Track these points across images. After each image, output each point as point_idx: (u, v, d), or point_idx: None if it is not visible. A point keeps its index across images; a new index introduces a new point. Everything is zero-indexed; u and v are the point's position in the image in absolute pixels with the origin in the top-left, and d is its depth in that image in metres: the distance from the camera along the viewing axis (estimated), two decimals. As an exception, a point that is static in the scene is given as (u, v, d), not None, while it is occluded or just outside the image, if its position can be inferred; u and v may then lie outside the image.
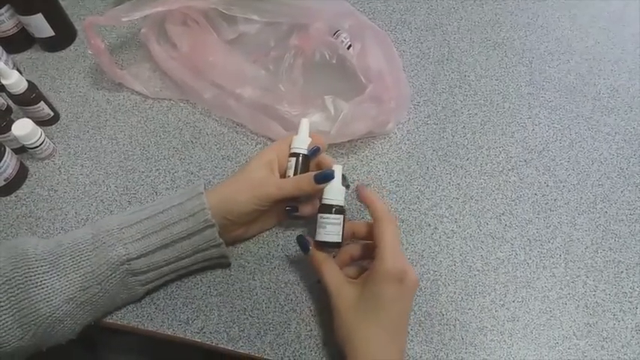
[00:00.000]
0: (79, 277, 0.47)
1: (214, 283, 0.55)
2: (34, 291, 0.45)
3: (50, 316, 0.45)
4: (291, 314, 0.53)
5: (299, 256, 0.57)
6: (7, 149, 0.59)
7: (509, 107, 0.70)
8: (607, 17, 0.81)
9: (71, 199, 0.61)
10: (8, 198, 0.61)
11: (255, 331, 0.52)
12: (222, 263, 0.55)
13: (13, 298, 0.44)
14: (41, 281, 0.45)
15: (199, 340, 0.52)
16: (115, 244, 0.48)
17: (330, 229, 0.49)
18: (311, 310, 0.54)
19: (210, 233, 0.50)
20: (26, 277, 0.45)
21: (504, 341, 0.53)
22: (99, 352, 0.69)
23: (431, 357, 0.51)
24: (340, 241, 0.50)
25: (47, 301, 0.45)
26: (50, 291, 0.45)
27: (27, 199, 0.61)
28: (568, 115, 0.69)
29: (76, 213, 0.60)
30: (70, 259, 0.47)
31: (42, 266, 0.46)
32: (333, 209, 0.49)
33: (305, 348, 0.51)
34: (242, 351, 0.51)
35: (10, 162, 0.59)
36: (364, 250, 0.52)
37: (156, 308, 0.53)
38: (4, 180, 0.59)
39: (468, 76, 0.73)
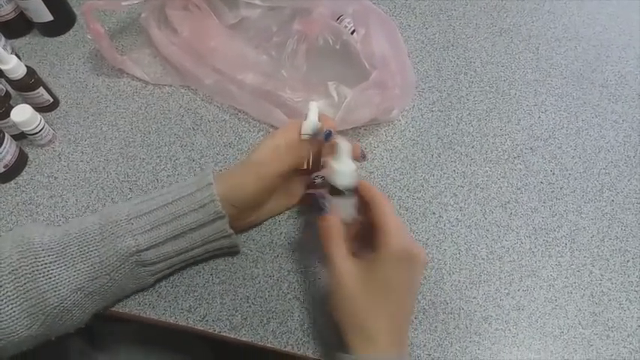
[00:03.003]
0: (87, 267, 0.46)
1: (217, 271, 0.55)
2: (42, 281, 0.44)
3: (58, 305, 0.45)
4: (294, 302, 0.53)
5: (302, 244, 0.56)
6: (7, 135, 0.58)
7: (515, 94, 0.69)
8: (615, 3, 0.79)
9: (71, 186, 0.60)
10: (8, 185, 0.60)
11: (258, 319, 0.52)
12: (232, 252, 0.55)
13: (20, 288, 0.44)
14: (48, 271, 0.45)
15: (202, 328, 0.51)
16: (125, 235, 0.47)
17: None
18: (314, 299, 0.53)
19: (221, 224, 0.49)
20: (33, 266, 0.44)
21: (509, 330, 0.52)
22: (98, 341, 0.68)
23: (435, 345, 0.51)
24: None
25: (55, 291, 0.44)
26: (58, 281, 0.45)
27: (27, 186, 0.60)
28: (575, 102, 0.68)
29: (76, 200, 0.59)
30: (77, 248, 0.46)
31: (49, 256, 0.45)
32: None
33: (308, 336, 0.51)
34: (245, 339, 0.51)
35: (10, 148, 0.58)
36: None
37: (158, 296, 0.53)
38: (4, 167, 0.58)
39: (474, 63, 0.72)
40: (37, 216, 0.58)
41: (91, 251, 0.46)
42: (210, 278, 0.54)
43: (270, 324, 0.52)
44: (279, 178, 0.50)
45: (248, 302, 0.53)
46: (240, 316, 0.52)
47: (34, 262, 0.44)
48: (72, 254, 0.46)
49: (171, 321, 0.52)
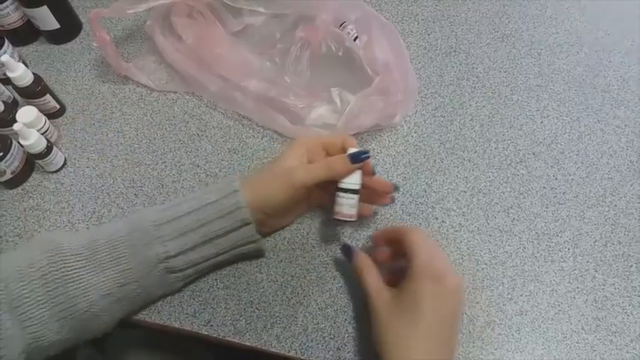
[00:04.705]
0: (117, 273, 0.47)
1: (221, 276, 0.55)
2: (71, 286, 0.45)
3: (87, 310, 0.45)
4: (297, 307, 0.53)
5: (305, 249, 0.57)
6: (14, 142, 0.59)
7: (518, 99, 0.69)
8: (617, 8, 0.79)
9: (77, 192, 0.61)
10: (15, 191, 0.61)
11: (262, 324, 0.52)
12: (257, 255, 0.56)
13: (50, 293, 0.44)
14: (78, 276, 0.45)
15: (206, 333, 0.52)
16: (153, 242, 0.48)
17: (347, 207, 0.51)
18: (318, 304, 0.53)
19: (248, 230, 0.50)
20: (62, 272, 0.45)
21: (512, 335, 0.52)
22: (105, 346, 0.69)
23: (438, 350, 0.51)
24: (355, 219, 0.51)
25: (84, 296, 0.45)
26: (87, 286, 0.45)
27: (33, 192, 0.61)
28: (577, 107, 0.69)
29: (82, 206, 0.60)
30: (106, 255, 0.47)
31: (78, 261, 0.46)
32: (350, 191, 0.50)
33: (312, 341, 0.51)
34: (248, 344, 0.51)
35: (17, 155, 0.59)
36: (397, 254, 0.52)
37: (163, 301, 0.53)
38: (11, 173, 0.59)
39: (476, 68, 0.72)
40: (44, 222, 0.59)
41: (120, 258, 0.47)
42: (215, 283, 0.55)
43: (273, 329, 0.52)
44: (306, 188, 0.50)
45: (252, 307, 0.53)
46: (244, 320, 0.52)
47: (64, 267, 0.45)
48: (100, 260, 0.46)
49: (176, 325, 0.52)
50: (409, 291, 0.45)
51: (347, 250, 0.52)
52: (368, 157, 0.50)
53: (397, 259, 0.52)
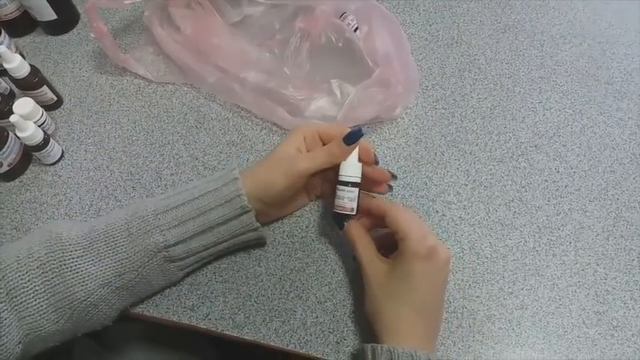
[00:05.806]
0: (115, 262, 0.46)
1: (219, 270, 0.55)
2: (69, 275, 0.45)
3: (85, 300, 0.45)
4: (296, 301, 0.53)
5: (304, 242, 0.56)
6: (11, 134, 0.58)
7: (520, 91, 0.68)
8: (621, -1, 0.79)
9: (75, 185, 0.60)
10: (12, 183, 0.61)
11: (261, 318, 0.52)
12: (259, 243, 0.55)
13: (47, 282, 0.44)
14: (76, 265, 0.45)
15: (204, 327, 0.52)
16: (152, 230, 0.47)
17: (347, 200, 0.50)
18: (317, 297, 0.53)
19: (247, 218, 0.50)
20: (60, 261, 0.45)
21: (512, 329, 0.52)
22: (104, 339, 0.69)
23: (437, 344, 0.51)
24: (355, 213, 0.51)
25: (82, 285, 0.45)
26: (85, 275, 0.45)
27: (31, 185, 0.60)
28: (580, 99, 0.68)
29: (80, 198, 0.59)
30: (104, 244, 0.47)
31: (76, 250, 0.46)
32: (349, 184, 0.50)
33: (311, 335, 0.51)
34: (247, 337, 0.51)
35: (14, 147, 0.58)
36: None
37: (161, 294, 0.53)
38: (8, 165, 0.58)
39: (478, 60, 0.71)
40: (41, 214, 0.58)
41: (118, 247, 0.47)
42: (213, 277, 0.54)
43: (272, 322, 0.52)
44: (307, 175, 0.50)
45: (251, 301, 0.53)
46: (242, 314, 0.52)
47: (62, 256, 0.45)
48: (99, 249, 0.46)
49: (174, 319, 0.52)
50: (402, 267, 0.46)
51: (338, 217, 0.52)
52: (361, 135, 0.49)
53: (377, 227, 0.53)
